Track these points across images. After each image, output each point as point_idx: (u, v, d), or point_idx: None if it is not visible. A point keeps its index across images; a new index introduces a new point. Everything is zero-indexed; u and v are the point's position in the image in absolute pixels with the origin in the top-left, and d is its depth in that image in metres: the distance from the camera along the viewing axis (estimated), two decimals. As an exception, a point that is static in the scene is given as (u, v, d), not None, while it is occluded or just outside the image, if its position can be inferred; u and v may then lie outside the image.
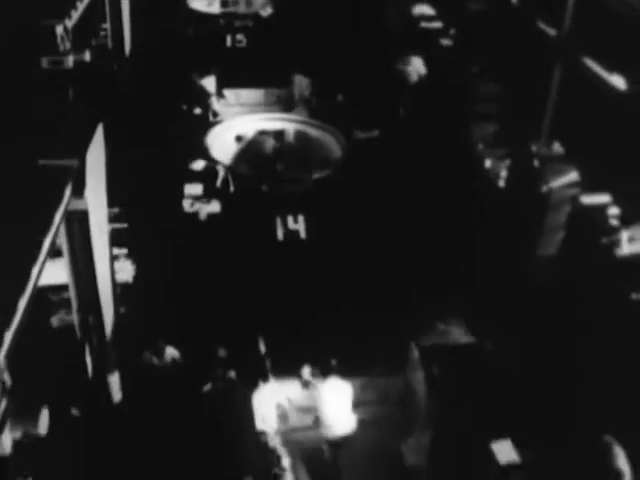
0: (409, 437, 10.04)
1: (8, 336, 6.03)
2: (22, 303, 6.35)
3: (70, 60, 10.51)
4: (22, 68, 9.78)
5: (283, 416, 10.18)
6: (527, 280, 11.01)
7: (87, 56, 10.96)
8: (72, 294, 8.93)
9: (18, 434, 6.07)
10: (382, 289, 11.43)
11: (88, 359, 9.41)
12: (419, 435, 9.89)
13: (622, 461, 7.63)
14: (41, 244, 7.01)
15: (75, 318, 9.11)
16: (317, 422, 9.64)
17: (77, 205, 8.17)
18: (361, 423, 9.88)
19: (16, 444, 6.00)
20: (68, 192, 7.99)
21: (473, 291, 11.08)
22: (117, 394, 9.66)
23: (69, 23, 10.34)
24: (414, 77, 14.99)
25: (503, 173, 12.92)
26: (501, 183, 12.89)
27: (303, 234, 12.72)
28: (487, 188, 12.79)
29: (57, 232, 7.66)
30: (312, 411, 9.95)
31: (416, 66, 15.02)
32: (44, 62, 10.31)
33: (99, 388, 9.54)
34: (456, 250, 11.98)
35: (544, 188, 11.63)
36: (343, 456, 9.68)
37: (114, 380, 9.56)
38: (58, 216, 7.72)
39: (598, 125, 12.17)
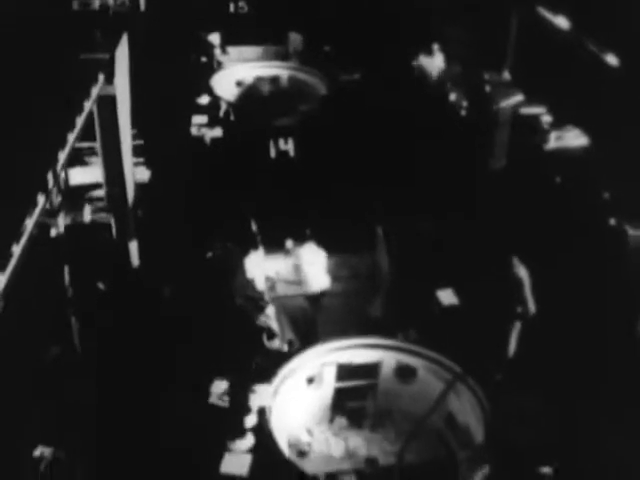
0: (374, 299, 12.25)
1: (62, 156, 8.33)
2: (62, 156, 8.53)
3: (96, 3, 12.93)
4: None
5: (271, 286, 12.42)
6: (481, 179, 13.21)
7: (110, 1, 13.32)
8: (102, 169, 11.24)
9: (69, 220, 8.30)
10: (355, 189, 13.59)
11: (113, 229, 11.75)
12: (382, 296, 12.12)
13: (521, 270, 9.84)
14: (78, 117, 9.26)
15: (104, 191, 11.41)
16: (299, 283, 11.89)
17: (107, 90, 10.49)
18: (336, 293, 12.13)
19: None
20: (101, 79, 10.33)
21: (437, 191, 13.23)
22: (136, 259, 11.95)
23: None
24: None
25: (464, 104, 15.19)
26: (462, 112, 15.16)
27: (292, 153, 14.98)
28: (450, 115, 15.01)
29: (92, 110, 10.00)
30: (296, 283, 12.21)
31: None
32: (75, 4, 12.72)
33: (121, 252, 11.84)
34: (422, 163, 14.11)
35: (494, 108, 13.93)
36: (320, 309, 11.90)
37: (133, 246, 11.83)
38: (93, 96, 10.07)
39: (542, 59, 14.43)
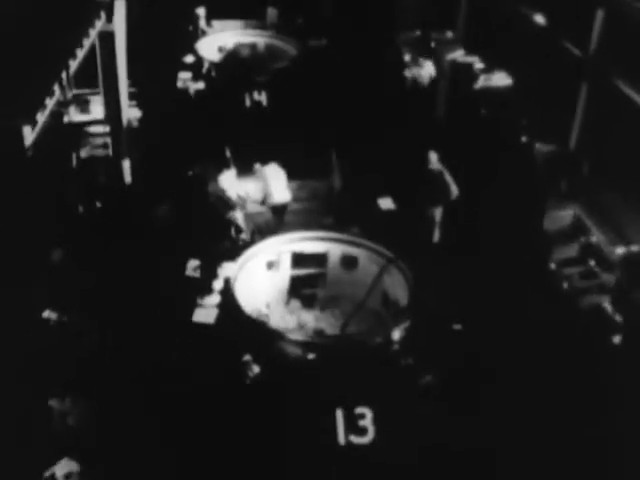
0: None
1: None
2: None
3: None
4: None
5: (242, 205, 14.58)
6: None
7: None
8: (103, 98, 13.46)
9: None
10: (314, 127, 15.82)
11: (110, 149, 13.99)
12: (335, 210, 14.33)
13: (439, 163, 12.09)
14: (79, 48, 11.44)
15: (105, 114, 13.62)
16: (265, 198, 14.07)
17: (108, 27, 12.73)
18: (296, 211, 14.31)
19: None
20: (103, 17, 12.59)
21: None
22: (128, 175, 14.16)
23: None
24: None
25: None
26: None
27: (264, 103, 17.25)
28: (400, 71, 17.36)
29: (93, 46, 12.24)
30: (263, 202, 14.39)
31: None
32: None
33: (115, 170, 14.05)
34: (372, 109, 16.39)
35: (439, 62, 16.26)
36: (282, 221, 14.07)
37: (126, 164, 14.05)
38: (95, 31, 12.33)
39: (486, 21, 16.82)
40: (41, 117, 9.29)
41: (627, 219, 13.21)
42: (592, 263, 12.83)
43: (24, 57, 9.66)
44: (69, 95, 10.30)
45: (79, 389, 10.38)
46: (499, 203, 12.24)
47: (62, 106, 10.37)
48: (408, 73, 16.84)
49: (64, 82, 10.14)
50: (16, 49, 9.72)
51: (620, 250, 12.76)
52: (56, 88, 9.91)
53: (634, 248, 12.79)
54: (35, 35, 10.17)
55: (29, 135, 8.81)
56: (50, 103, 9.83)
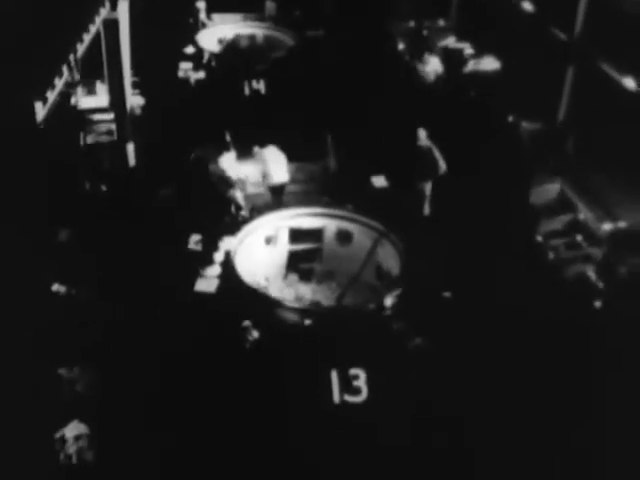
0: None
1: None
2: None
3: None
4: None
5: (241, 186, 15.17)
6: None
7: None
8: (107, 85, 14.05)
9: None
10: (311, 112, 16.40)
11: (115, 134, 14.58)
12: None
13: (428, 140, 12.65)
14: (85, 33, 12.08)
15: (109, 99, 14.21)
16: (264, 178, 14.65)
17: (112, 15, 13.34)
18: (294, 192, 14.88)
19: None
20: (107, 5, 13.20)
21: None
22: (132, 159, 14.74)
23: None
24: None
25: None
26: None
27: (263, 91, 17.84)
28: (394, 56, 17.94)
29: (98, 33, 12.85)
30: (261, 184, 14.96)
31: None
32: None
33: (120, 154, 14.64)
34: (366, 92, 16.93)
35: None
36: (280, 201, 14.64)
37: (130, 148, 14.64)
38: (100, 18, 12.95)
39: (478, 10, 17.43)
40: (51, 95, 9.89)
41: (613, 197, 13.79)
42: (579, 238, 13.40)
43: (35, 40, 10.27)
44: (76, 77, 10.92)
45: (86, 358, 10.95)
46: (486, 178, 12.80)
47: (70, 87, 10.99)
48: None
49: (72, 64, 10.74)
50: (28, 33, 10.33)
51: (607, 226, 13.33)
52: (64, 70, 10.51)
53: (620, 224, 13.38)
54: (45, 20, 10.79)
55: (40, 111, 9.40)
56: (59, 83, 10.42)
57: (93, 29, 12.02)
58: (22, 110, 9.28)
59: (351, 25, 19.72)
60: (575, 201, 13.92)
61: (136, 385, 10.47)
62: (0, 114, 9.14)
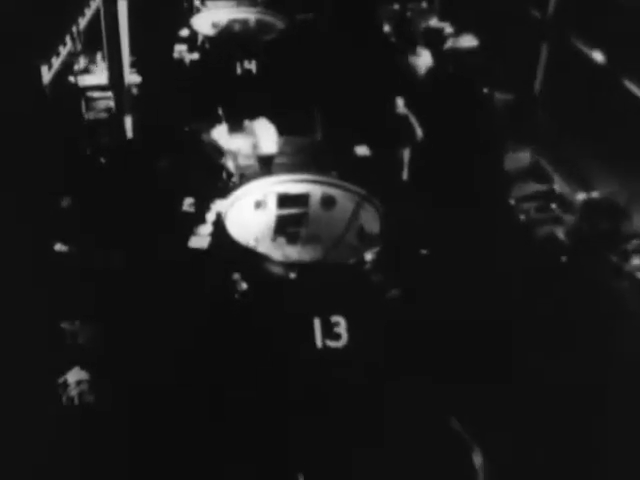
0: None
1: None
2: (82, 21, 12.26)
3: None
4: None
5: (233, 158, 16.02)
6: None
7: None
8: (106, 60, 14.89)
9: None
10: (299, 89, 17.24)
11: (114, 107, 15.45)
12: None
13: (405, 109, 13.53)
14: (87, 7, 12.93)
15: (107, 76, 15.07)
16: (253, 149, 15.50)
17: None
18: (281, 164, 15.74)
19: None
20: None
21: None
22: (129, 131, 15.61)
23: None
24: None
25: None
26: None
27: (254, 71, 18.71)
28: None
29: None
30: (252, 155, 15.82)
31: None
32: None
33: (118, 127, 15.50)
34: (351, 72, 17.75)
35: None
36: (269, 171, 15.50)
37: (128, 120, 15.50)
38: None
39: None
40: (56, 62, 10.77)
41: (586, 167, 14.62)
42: (553, 206, 14.24)
43: (41, 10, 11.14)
44: (79, 47, 11.80)
45: (87, 312, 11.82)
46: (461, 144, 13.67)
47: (72, 57, 11.87)
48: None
49: (75, 35, 11.64)
50: (35, 4, 11.22)
51: (581, 196, 14.17)
52: (68, 40, 11.41)
53: (594, 194, 14.22)
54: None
55: (46, 75, 10.26)
56: (63, 52, 11.30)
57: (94, 5, 12.86)
58: (29, 72, 10.12)
59: (339, 8, 20.58)
60: (549, 171, 14.79)
61: (134, 332, 11.34)
62: (8, 74, 9.98)
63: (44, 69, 10.12)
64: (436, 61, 15.81)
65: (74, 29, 11.65)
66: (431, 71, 15.50)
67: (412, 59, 18.02)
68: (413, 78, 16.20)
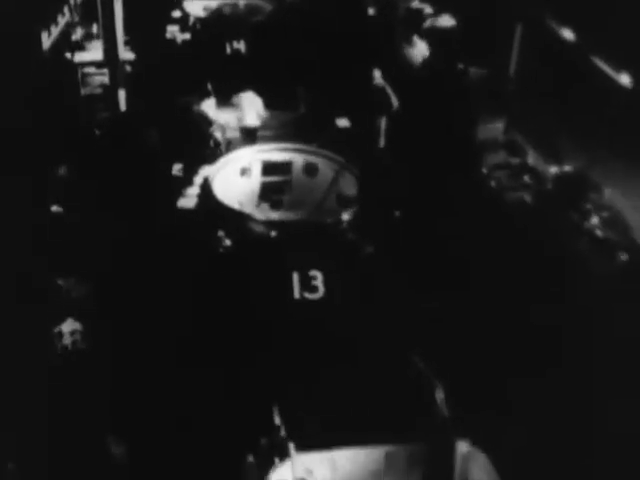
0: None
1: None
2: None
3: None
4: None
5: (222, 132, 16.79)
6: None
7: None
8: (101, 36, 15.67)
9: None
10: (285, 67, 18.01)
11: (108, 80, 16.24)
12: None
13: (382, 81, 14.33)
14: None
15: (102, 52, 15.84)
16: (238, 121, 16.28)
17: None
18: (266, 137, 16.51)
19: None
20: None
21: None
22: (123, 104, 16.40)
23: None
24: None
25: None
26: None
27: (243, 50, 19.48)
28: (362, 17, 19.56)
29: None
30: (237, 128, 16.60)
31: None
32: None
33: (112, 100, 16.29)
34: (336, 51, 18.52)
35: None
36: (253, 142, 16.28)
37: (122, 94, 16.29)
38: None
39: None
40: (55, 30, 11.55)
41: (558, 142, 15.39)
42: (526, 178, 15.02)
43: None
44: (76, 18, 12.58)
45: (81, 270, 12.61)
46: (435, 114, 14.46)
47: (70, 27, 12.67)
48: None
49: (72, 6, 12.44)
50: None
51: (553, 169, 14.95)
52: (66, 11, 12.20)
53: (566, 168, 14.99)
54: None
55: (45, 41, 11.02)
56: (61, 21, 12.08)
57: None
58: (29, 36, 10.87)
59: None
60: (522, 144, 15.57)
61: (125, 284, 12.10)
62: (9, 38, 10.74)
63: (44, 35, 10.87)
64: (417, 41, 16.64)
65: (72, 0, 12.42)
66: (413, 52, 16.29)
67: (407, 49, 18.36)
68: (394, 57, 16.98)
